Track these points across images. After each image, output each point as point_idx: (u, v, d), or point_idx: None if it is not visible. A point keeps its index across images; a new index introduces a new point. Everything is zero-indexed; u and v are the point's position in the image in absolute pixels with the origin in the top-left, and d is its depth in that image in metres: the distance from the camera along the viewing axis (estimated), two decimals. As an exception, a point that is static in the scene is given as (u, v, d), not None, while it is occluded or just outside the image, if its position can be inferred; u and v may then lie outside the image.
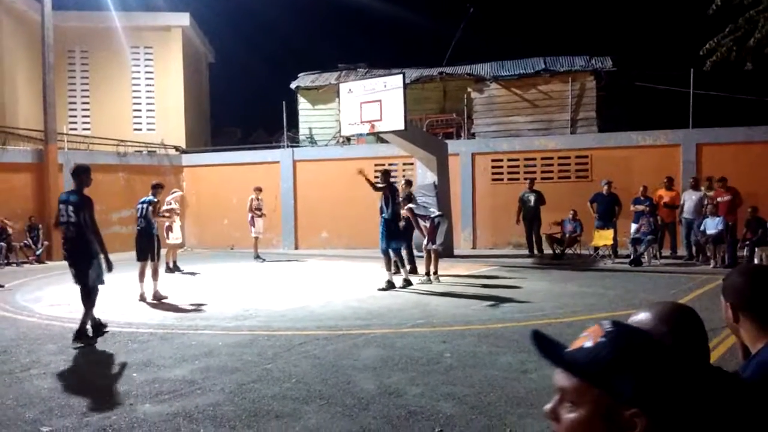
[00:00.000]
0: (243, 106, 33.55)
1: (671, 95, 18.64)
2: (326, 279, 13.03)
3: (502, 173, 18.11)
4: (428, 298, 10.31)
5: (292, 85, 21.85)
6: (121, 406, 5.32)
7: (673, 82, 18.50)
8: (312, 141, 21.67)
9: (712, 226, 13.51)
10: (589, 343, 1.15)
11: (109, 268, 7.85)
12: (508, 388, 5.41)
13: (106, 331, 7.89)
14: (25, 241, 16.91)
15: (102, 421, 4.96)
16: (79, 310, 9.73)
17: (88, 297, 7.75)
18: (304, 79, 21.91)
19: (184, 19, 23.80)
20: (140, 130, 23.12)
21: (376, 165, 17.78)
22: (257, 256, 16.33)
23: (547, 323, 8.17)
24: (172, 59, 23.40)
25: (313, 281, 12.76)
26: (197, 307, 9.92)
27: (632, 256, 13.82)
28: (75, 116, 23.02)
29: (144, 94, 23.43)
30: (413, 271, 12.57)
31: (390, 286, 11.21)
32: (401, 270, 11.57)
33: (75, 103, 23.12)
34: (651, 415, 1.10)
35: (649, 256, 13.99)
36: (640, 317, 1.66)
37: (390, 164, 18.59)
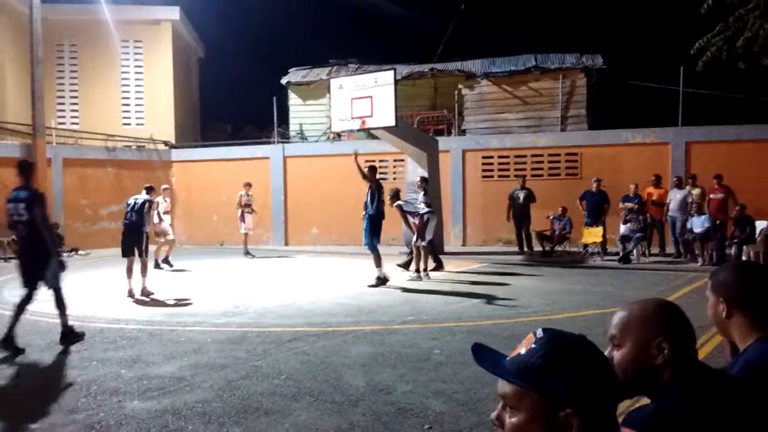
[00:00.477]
0: (233, 101, 33.38)
1: (661, 93, 18.73)
2: (316, 275, 13.02)
3: (492, 170, 18.14)
4: (418, 295, 10.32)
5: (283, 81, 21.78)
6: (109, 402, 5.29)
7: (663, 80, 18.59)
8: (302, 137, 21.62)
9: (698, 224, 13.61)
10: (523, 351, 1.25)
11: (62, 267, 7.29)
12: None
13: (78, 340, 7.40)
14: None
15: (90, 418, 4.93)
16: (67, 305, 9.69)
17: (60, 300, 7.30)
18: (294, 75, 21.85)
19: (174, 13, 23.64)
20: (129, 124, 22.97)
21: (366, 161, 17.70)
22: (247, 253, 16.29)
23: (536, 320, 8.20)
24: (162, 53, 23.25)
25: (302, 278, 12.74)
26: (186, 304, 9.89)
27: (621, 254, 13.89)
28: (63, 110, 22.83)
29: (133, 89, 23.27)
30: (439, 266, 12.85)
31: (380, 282, 11.20)
32: (381, 267, 11.44)
33: (63, 97, 22.93)
34: (584, 414, 1.16)
35: (637, 254, 14.07)
36: (625, 314, 1.66)
37: (381, 160, 18.60)
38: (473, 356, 1.30)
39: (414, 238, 12.09)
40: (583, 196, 15.31)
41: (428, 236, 12.14)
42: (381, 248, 11.57)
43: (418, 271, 11.89)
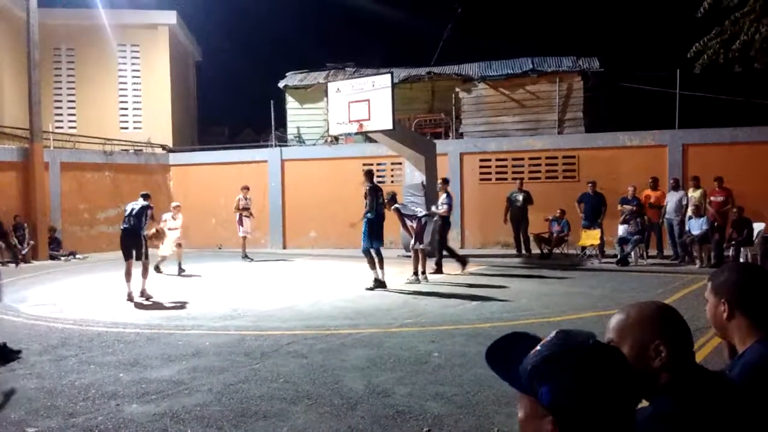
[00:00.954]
0: (230, 105, 33.39)
1: (658, 96, 18.77)
2: (314, 278, 13.01)
3: (490, 173, 18.15)
4: (416, 298, 10.31)
5: (280, 84, 21.78)
6: (107, 406, 5.29)
7: (659, 83, 18.63)
8: (300, 140, 21.62)
9: (696, 226, 13.63)
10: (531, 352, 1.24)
11: None
12: (496, 387, 5.41)
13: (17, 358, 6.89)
14: (11, 240, 16.71)
15: (88, 422, 4.92)
16: (65, 309, 9.71)
17: None
18: (292, 78, 21.85)
19: (171, 17, 23.66)
20: (127, 128, 22.97)
21: (364, 164, 17.72)
22: (245, 256, 16.27)
23: (534, 323, 8.20)
24: (159, 57, 23.26)
25: (301, 281, 12.74)
26: (184, 307, 9.87)
27: (619, 256, 13.91)
28: (61, 114, 22.81)
29: (131, 93, 23.28)
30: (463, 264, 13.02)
31: (378, 285, 11.20)
32: (378, 271, 11.43)
33: (61, 101, 22.92)
34: (564, 424, 1.15)
35: (635, 256, 14.08)
36: (623, 316, 1.66)
37: (378, 164, 18.61)
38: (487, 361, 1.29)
39: (412, 242, 12.09)
40: (581, 199, 15.35)
41: (426, 239, 12.16)
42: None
43: (416, 273, 11.88)
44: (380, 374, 6.05)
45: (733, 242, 13.35)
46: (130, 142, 21.75)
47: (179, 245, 13.92)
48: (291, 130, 21.86)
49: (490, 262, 14.87)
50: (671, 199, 14.46)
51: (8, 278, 13.59)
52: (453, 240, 17.90)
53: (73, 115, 22.96)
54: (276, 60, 29.77)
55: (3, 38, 21.10)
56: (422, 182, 15.45)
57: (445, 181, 13.88)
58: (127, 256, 10.56)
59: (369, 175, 11.94)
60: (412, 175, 16.04)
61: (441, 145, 17.63)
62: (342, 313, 9.15)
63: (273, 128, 21.16)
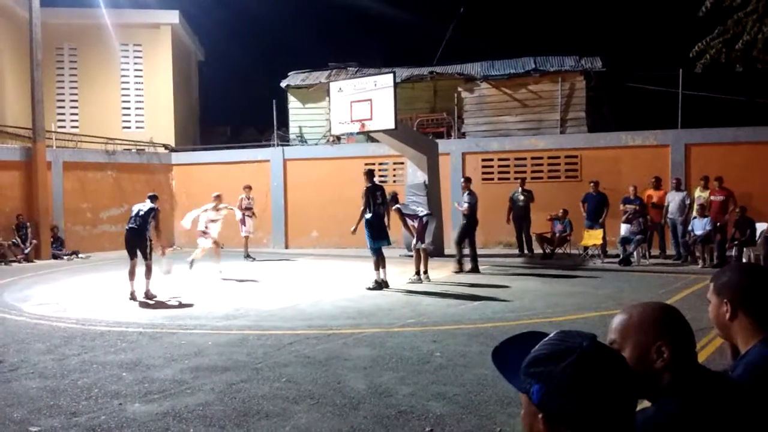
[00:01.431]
0: (233, 104, 33.36)
1: (660, 96, 18.74)
2: (316, 278, 13.02)
3: (492, 173, 18.14)
4: (418, 298, 10.32)
5: (283, 84, 21.79)
6: (110, 405, 5.30)
7: (662, 83, 18.61)
8: (302, 140, 21.63)
9: (699, 226, 13.61)
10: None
11: None
12: (499, 387, 5.42)
13: None
14: (14, 240, 16.78)
15: (91, 421, 4.93)
16: (68, 308, 9.74)
17: None
18: (294, 78, 21.86)
19: (173, 16, 23.68)
20: (129, 128, 22.99)
21: (366, 164, 17.71)
22: (247, 255, 16.29)
23: (537, 323, 8.20)
24: (162, 57, 23.28)
25: (303, 280, 12.74)
26: (187, 307, 9.89)
27: (621, 256, 13.89)
28: (63, 114, 22.85)
29: (133, 92, 23.30)
30: (475, 269, 13.07)
31: (378, 285, 11.19)
32: (379, 271, 11.40)
33: (63, 100, 22.95)
34: (552, 424, 1.16)
35: (638, 256, 14.07)
36: (625, 317, 1.67)
37: (380, 163, 18.63)
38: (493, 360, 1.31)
39: (414, 241, 12.09)
40: (584, 199, 15.35)
41: (428, 239, 12.15)
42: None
43: (418, 273, 11.88)
44: (382, 374, 6.06)
45: (736, 242, 13.33)
46: (133, 141, 21.78)
47: (216, 243, 13.22)
48: (293, 129, 21.87)
49: (492, 261, 14.86)
50: (673, 199, 14.44)
51: (11, 277, 13.66)
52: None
53: (76, 114, 22.99)
54: (278, 59, 29.80)
55: (6, 37, 21.13)
56: (424, 182, 15.46)
57: (468, 180, 13.83)
58: (132, 256, 10.62)
59: (368, 174, 11.84)
60: (415, 174, 16.04)
61: (443, 144, 17.63)
62: (344, 313, 9.16)
63: (275, 128, 21.18)
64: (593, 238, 14.85)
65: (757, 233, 13.37)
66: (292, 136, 21.79)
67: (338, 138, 19.10)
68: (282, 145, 20.64)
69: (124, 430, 4.77)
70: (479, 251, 13.88)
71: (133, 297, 10.42)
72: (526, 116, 18.99)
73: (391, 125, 13.75)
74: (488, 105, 19.36)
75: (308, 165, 19.59)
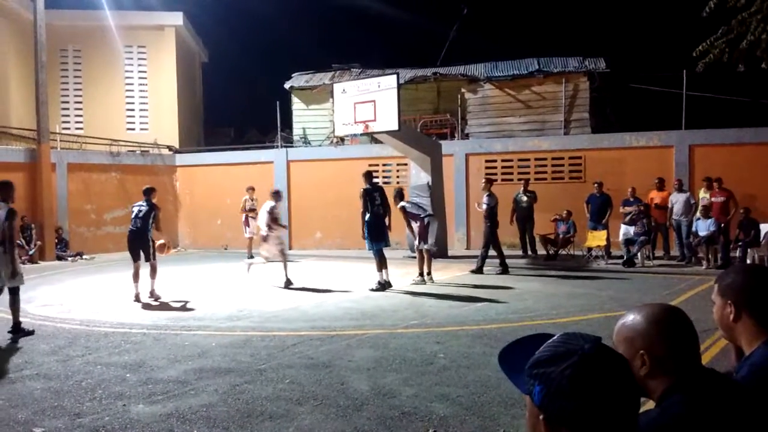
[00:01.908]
0: (236, 106, 33.48)
1: (664, 96, 18.72)
2: (320, 279, 13.02)
3: (495, 174, 18.11)
4: (422, 299, 10.31)
5: (286, 85, 21.82)
6: (114, 406, 5.31)
7: (666, 84, 18.59)
8: (306, 141, 21.65)
9: (703, 227, 13.57)
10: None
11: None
12: (502, 388, 5.41)
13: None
14: (18, 241, 16.77)
15: (95, 422, 4.94)
16: (72, 310, 9.76)
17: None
18: (297, 79, 21.89)
19: (177, 18, 23.73)
20: (133, 129, 23.05)
21: (370, 165, 17.74)
22: (251, 257, 16.28)
23: (540, 324, 8.19)
24: (166, 59, 23.33)
25: (306, 282, 12.74)
26: (190, 308, 9.90)
27: (625, 257, 13.87)
28: (68, 115, 22.91)
29: (137, 94, 23.36)
30: (504, 271, 13.09)
31: (381, 286, 11.18)
32: (381, 272, 11.38)
33: (68, 102, 23.02)
34: (552, 426, 1.16)
35: (642, 257, 14.04)
36: (630, 319, 1.66)
37: (384, 165, 18.65)
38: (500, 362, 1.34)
39: (416, 242, 12.08)
40: (588, 200, 15.34)
41: (430, 240, 12.14)
42: (385, 252, 11.58)
43: (421, 274, 11.87)
44: (386, 375, 6.06)
45: (740, 243, 13.30)
46: (137, 143, 21.83)
47: (282, 251, 12.39)
48: (297, 130, 21.90)
49: (495, 262, 14.82)
50: (677, 200, 14.42)
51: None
52: (459, 241, 17.97)
53: (80, 116, 23.05)
54: (282, 61, 29.91)
55: (10, 39, 21.19)
56: (428, 183, 15.45)
57: (489, 181, 13.67)
58: (136, 258, 10.64)
59: (366, 176, 11.78)
60: (418, 175, 16.04)
61: (447, 145, 17.63)
62: (347, 314, 9.15)
63: (279, 129, 21.21)
64: (597, 239, 14.83)
65: (762, 234, 13.34)
66: (295, 138, 21.81)
67: (342, 139, 19.12)
68: (285, 147, 20.68)
69: (128, 431, 4.77)
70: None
71: (137, 298, 10.44)
72: (530, 117, 18.98)
73: (395, 126, 13.76)
74: (492, 106, 19.35)
75: (312, 166, 19.61)
